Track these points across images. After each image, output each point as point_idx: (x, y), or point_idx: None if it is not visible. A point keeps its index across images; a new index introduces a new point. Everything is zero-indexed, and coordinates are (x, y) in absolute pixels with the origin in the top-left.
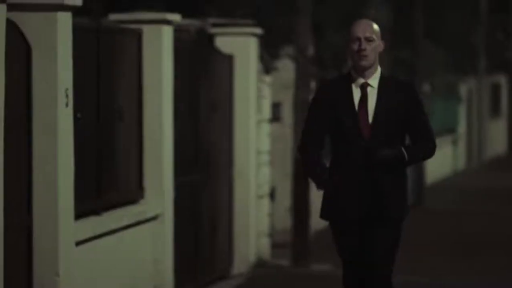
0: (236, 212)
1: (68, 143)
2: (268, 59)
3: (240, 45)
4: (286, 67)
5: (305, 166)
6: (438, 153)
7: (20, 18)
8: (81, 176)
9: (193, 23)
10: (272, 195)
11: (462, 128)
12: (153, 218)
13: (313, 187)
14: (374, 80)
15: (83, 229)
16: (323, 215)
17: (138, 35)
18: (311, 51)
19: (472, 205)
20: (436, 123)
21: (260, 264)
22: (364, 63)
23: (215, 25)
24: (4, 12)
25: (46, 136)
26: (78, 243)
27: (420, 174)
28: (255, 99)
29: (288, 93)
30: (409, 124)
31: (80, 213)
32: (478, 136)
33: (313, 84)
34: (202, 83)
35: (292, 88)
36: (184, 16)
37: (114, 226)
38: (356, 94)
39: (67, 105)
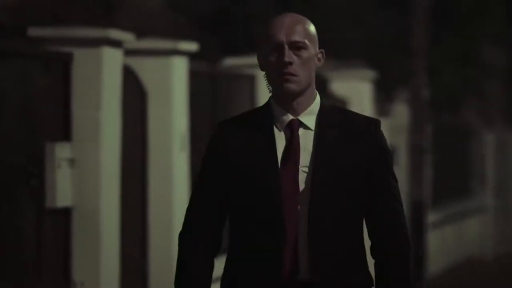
0: None
1: (184, 187)
2: (383, 102)
3: (355, 89)
4: (401, 111)
5: (176, 277)
6: None
7: (136, 63)
8: None
9: None
10: None
11: None
12: None
13: (430, 232)
14: (309, 117)
15: None
16: None
17: (252, 80)
18: (425, 93)
19: None
20: None
21: None
22: (290, 87)
23: (329, 68)
24: (120, 57)
25: (162, 180)
26: None
27: None
28: None
29: (403, 137)
30: (370, 195)
31: None
32: None
33: (428, 128)
34: None
35: (407, 132)
36: None
37: None
38: (280, 140)
39: (182, 149)
